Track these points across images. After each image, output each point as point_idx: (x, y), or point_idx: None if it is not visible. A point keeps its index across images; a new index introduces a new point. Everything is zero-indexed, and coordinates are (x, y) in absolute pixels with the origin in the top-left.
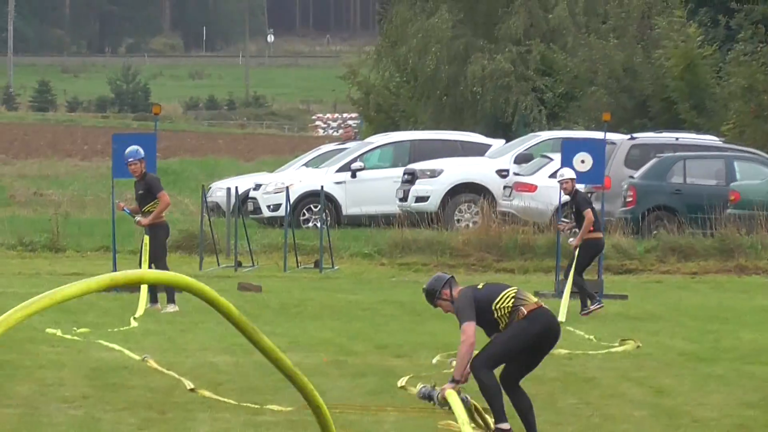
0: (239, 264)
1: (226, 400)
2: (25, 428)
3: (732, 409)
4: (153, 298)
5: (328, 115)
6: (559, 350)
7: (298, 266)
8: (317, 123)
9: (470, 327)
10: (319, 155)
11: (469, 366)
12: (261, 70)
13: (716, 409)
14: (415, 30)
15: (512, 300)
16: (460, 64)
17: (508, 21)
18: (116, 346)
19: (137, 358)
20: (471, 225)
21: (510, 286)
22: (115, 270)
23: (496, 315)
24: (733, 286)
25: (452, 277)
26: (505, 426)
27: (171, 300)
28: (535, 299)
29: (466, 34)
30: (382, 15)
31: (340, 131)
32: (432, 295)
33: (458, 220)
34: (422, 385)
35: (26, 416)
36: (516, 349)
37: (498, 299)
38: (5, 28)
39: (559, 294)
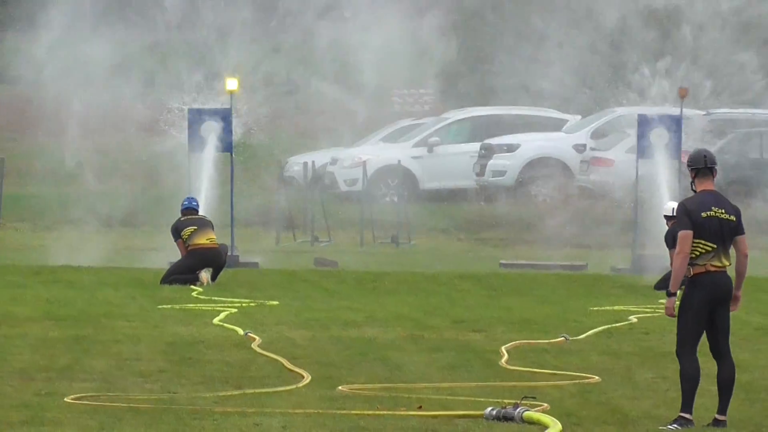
0: (316, 239)
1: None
2: (102, 402)
3: None
4: (190, 280)
5: (405, 91)
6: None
7: (374, 241)
8: (394, 98)
9: (684, 237)
10: (395, 130)
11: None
12: None
13: None
14: None
15: (699, 254)
16: None
17: None
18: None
19: (241, 332)
20: (548, 200)
21: (725, 239)
22: None
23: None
24: None
25: (711, 168)
26: (686, 415)
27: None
28: (718, 262)
29: None
30: None
31: (427, 107)
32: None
33: (535, 195)
34: (491, 408)
35: (103, 390)
36: (695, 323)
37: (700, 240)
38: None
39: (636, 270)
